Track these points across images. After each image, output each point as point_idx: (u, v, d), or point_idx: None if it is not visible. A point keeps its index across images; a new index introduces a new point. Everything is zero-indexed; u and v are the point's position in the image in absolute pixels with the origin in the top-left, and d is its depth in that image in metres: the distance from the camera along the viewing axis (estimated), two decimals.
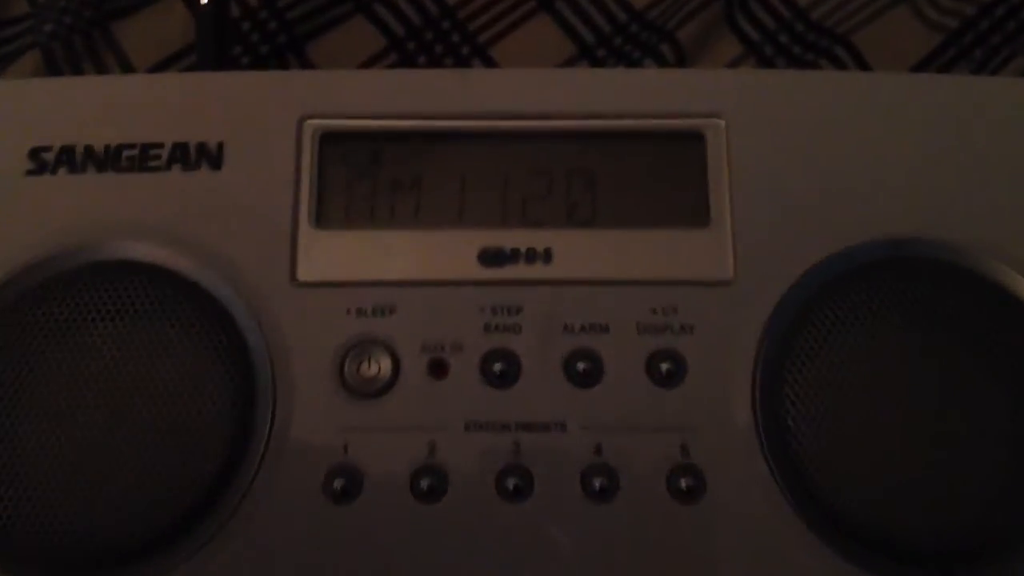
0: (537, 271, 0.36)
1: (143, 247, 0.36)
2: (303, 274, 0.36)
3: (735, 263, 0.36)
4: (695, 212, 0.37)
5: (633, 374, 0.35)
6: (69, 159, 0.37)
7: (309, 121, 0.38)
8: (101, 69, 0.50)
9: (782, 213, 0.37)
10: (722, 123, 0.38)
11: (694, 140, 0.38)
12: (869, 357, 0.35)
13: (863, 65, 0.50)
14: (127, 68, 0.50)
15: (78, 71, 0.50)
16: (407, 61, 0.51)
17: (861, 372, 0.35)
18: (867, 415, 0.35)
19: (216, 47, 0.46)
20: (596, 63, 0.52)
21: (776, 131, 0.38)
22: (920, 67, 0.50)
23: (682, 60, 0.51)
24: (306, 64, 0.51)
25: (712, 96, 0.38)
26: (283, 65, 0.51)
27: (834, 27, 0.52)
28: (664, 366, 0.35)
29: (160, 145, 0.37)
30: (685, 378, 0.35)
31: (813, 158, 0.38)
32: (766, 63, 0.51)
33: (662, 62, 0.51)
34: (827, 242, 0.37)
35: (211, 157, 0.37)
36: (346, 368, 0.35)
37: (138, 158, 0.37)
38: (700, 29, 0.52)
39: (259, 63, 0.51)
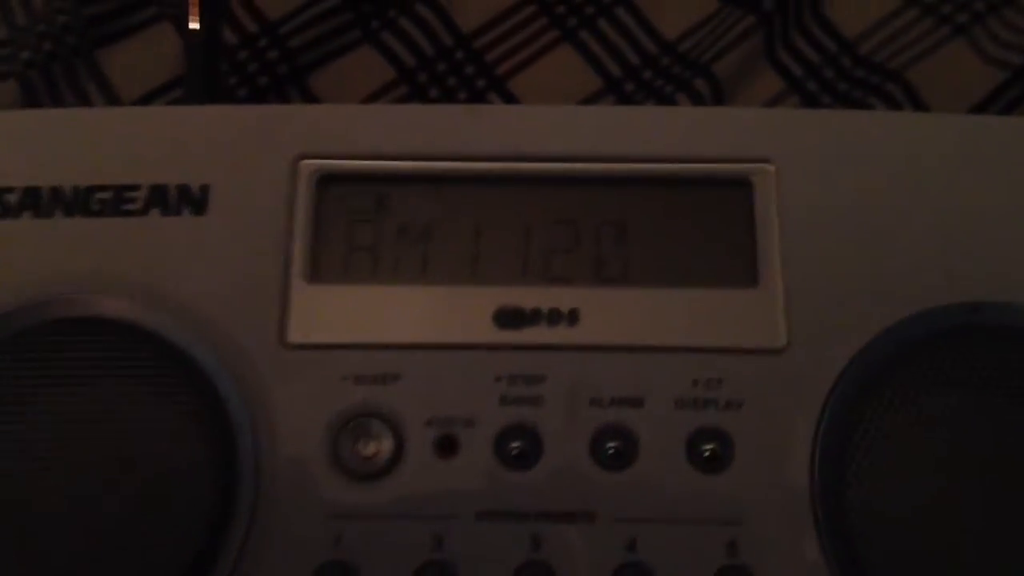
0: (561, 335, 0.33)
1: (114, 303, 0.33)
2: (294, 335, 0.33)
3: (788, 328, 0.33)
4: (742, 269, 0.34)
5: (672, 456, 0.32)
6: (34, 201, 0.34)
7: (305, 161, 0.35)
8: (84, 101, 0.47)
9: (841, 271, 0.34)
10: (772, 168, 0.35)
11: (740, 187, 0.35)
12: (951, 438, 0.32)
13: (918, 104, 0.47)
14: (112, 100, 0.47)
15: (59, 103, 0.46)
16: (418, 94, 0.49)
17: (942, 458, 0.31)
18: (951, 511, 0.31)
19: (207, 78, 0.43)
20: (624, 99, 0.49)
21: (833, 178, 0.35)
22: (981, 107, 0.47)
23: (719, 97, 0.48)
24: (308, 97, 0.49)
25: (760, 138, 0.35)
26: (283, 98, 0.49)
27: (885, 62, 0.48)
28: (708, 447, 0.32)
29: (136, 187, 0.34)
30: (732, 462, 0.32)
31: (875, 209, 0.34)
32: (809, 101, 0.48)
33: (697, 99, 0.48)
34: (894, 306, 0.33)
35: (194, 201, 0.34)
36: (341, 445, 0.32)
37: (111, 201, 0.34)
38: (738, 63, 0.49)
39: (257, 96, 0.48)
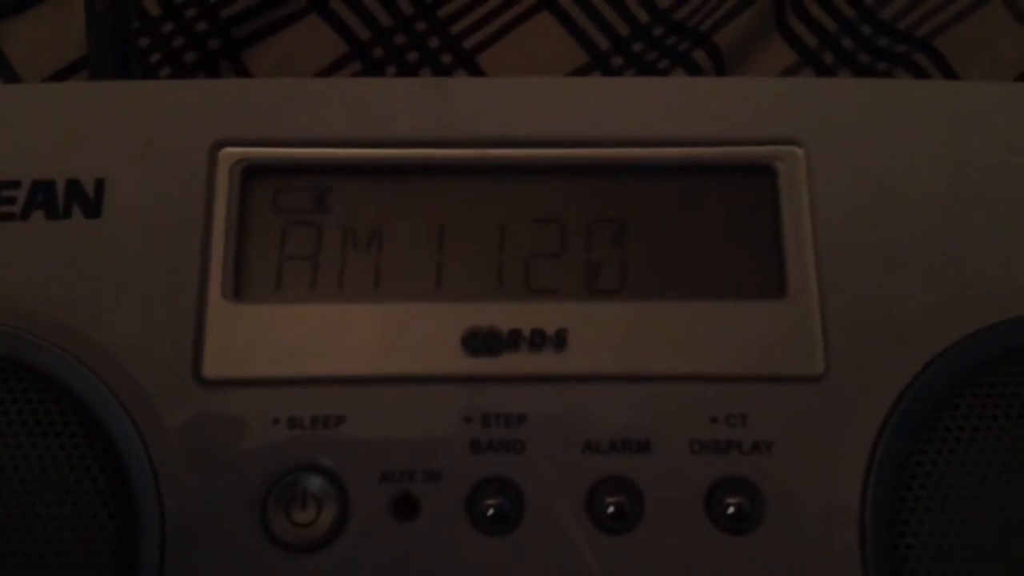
0: (546, 362, 0.29)
1: None
2: (212, 369, 0.28)
3: (826, 349, 0.29)
4: (766, 277, 0.30)
5: (687, 514, 0.28)
6: None
7: (227, 149, 0.30)
8: None
9: (890, 277, 0.29)
10: (800, 152, 0.30)
11: (762, 176, 0.30)
12: None
13: (950, 76, 0.45)
14: (13, 80, 0.43)
15: None
16: (373, 72, 0.47)
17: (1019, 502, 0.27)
18: None
19: (117, 54, 0.39)
20: (611, 75, 0.46)
21: (876, 162, 0.30)
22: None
23: (721, 71, 0.46)
24: (244, 76, 0.46)
25: (785, 114, 0.31)
26: (214, 78, 0.45)
27: (911, 29, 0.46)
28: (731, 503, 0.27)
29: (15, 184, 0.30)
30: (762, 520, 0.27)
31: (929, 198, 0.30)
32: (825, 75, 0.46)
33: (695, 73, 0.45)
34: (958, 317, 0.29)
35: (86, 201, 0.30)
36: (270, 509, 0.27)
37: None
38: (742, 32, 0.46)
39: (183, 76, 0.45)
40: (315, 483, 0.27)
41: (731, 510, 0.27)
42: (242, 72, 0.46)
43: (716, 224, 0.30)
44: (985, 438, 0.27)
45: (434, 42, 0.47)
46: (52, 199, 0.29)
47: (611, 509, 0.27)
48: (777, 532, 0.27)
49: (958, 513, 0.27)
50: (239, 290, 0.29)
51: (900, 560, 0.26)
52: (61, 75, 0.44)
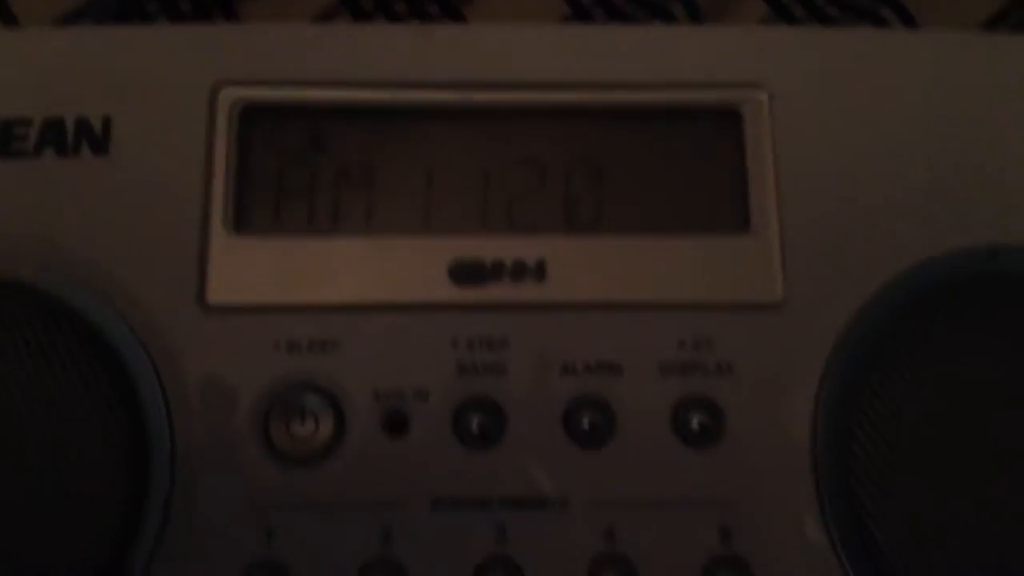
0: (527, 291, 0.30)
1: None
2: (215, 295, 0.29)
3: (785, 279, 0.30)
4: (731, 213, 0.31)
5: (656, 429, 0.29)
6: None
7: (226, 90, 0.31)
8: None
9: (844, 213, 0.31)
10: (765, 96, 0.31)
11: (728, 119, 0.31)
12: (968, 399, 0.28)
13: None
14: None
15: None
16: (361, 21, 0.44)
17: (958, 422, 0.28)
18: (968, 483, 0.28)
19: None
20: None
21: (835, 106, 0.31)
22: (990, 27, 0.43)
23: (697, 23, 0.44)
24: None
25: (751, 60, 0.32)
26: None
27: None
28: (696, 419, 0.29)
29: (27, 122, 0.30)
30: (724, 434, 0.29)
31: (882, 141, 0.31)
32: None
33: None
34: (904, 251, 0.30)
35: (94, 138, 0.30)
36: (272, 424, 0.28)
37: None
38: None
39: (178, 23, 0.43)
40: (313, 401, 0.28)
41: (696, 425, 0.28)
42: (235, 21, 0.43)
43: (686, 164, 0.31)
44: (923, 358, 0.29)
45: None
46: (62, 136, 0.30)
47: (586, 425, 0.28)
48: (737, 447, 0.28)
49: (898, 420, 0.28)
50: (240, 223, 0.30)
51: (848, 477, 0.28)
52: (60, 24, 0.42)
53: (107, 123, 0.30)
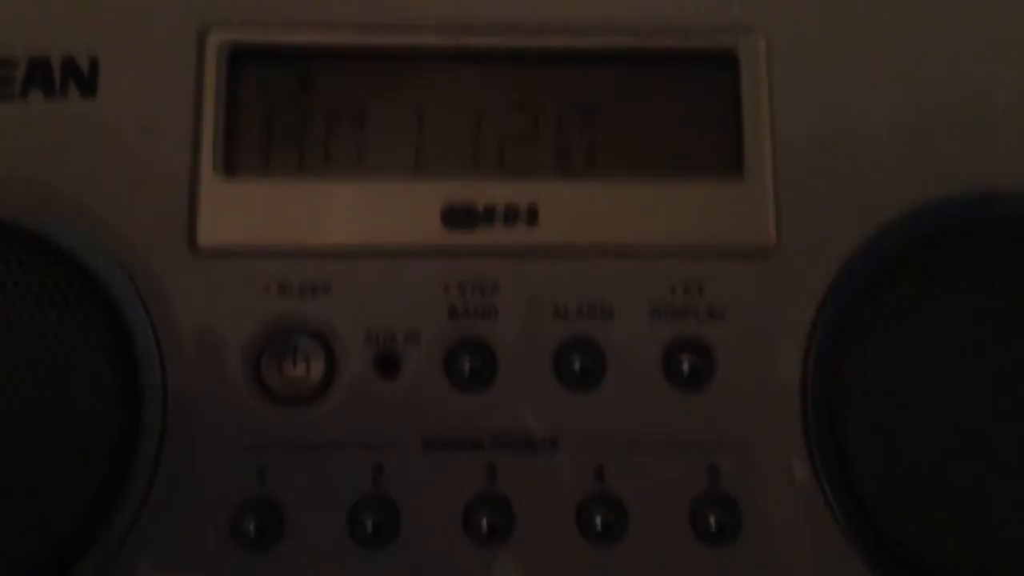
0: (519, 235, 0.30)
1: None
2: (206, 237, 0.29)
3: (778, 224, 0.30)
4: (725, 158, 0.31)
5: (646, 372, 0.29)
6: None
7: (215, 30, 0.31)
8: None
9: (838, 159, 0.31)
10: (762, 40, 0.31)
11: (724, 63, 0.31)
12: (956, 345, 0.29)
13: None
14: None
15: None
16: None
17: (945, 367, 0.28)
18: (953, 425, 0.28)
19: None
20: None
21: (833, 51, 0.31)
22: None
23: None
24: None
25: (748, 4, 0.31)
26: None
27: None
28: (686, 362, 0.29)
29: (12, 63, 0.30)
30: (714, 377, 0.29)
31: (881, 87, 0.31)
32: None
33: None
34: (897, 197, 0.30)
35: (82, 79, 0.30)
36: (264, 365, 0.29)
37: None
38: None
39: None
40: (304, 343, 0.28)
41: (686, 368, 0.29)
42: None
43: (680, 109, 0.31)
44: (913, 304, 0.29)
45: None
46: (48, 77, 0.30)
47: (577, 368, 0.29)
48: (727, 387, 0.29)
49: (887, 364, 0.28)
50: (230, 166, 0.30)
51: (838, 402, 0.28)
52: None
53: (94, 64, 0.30)
